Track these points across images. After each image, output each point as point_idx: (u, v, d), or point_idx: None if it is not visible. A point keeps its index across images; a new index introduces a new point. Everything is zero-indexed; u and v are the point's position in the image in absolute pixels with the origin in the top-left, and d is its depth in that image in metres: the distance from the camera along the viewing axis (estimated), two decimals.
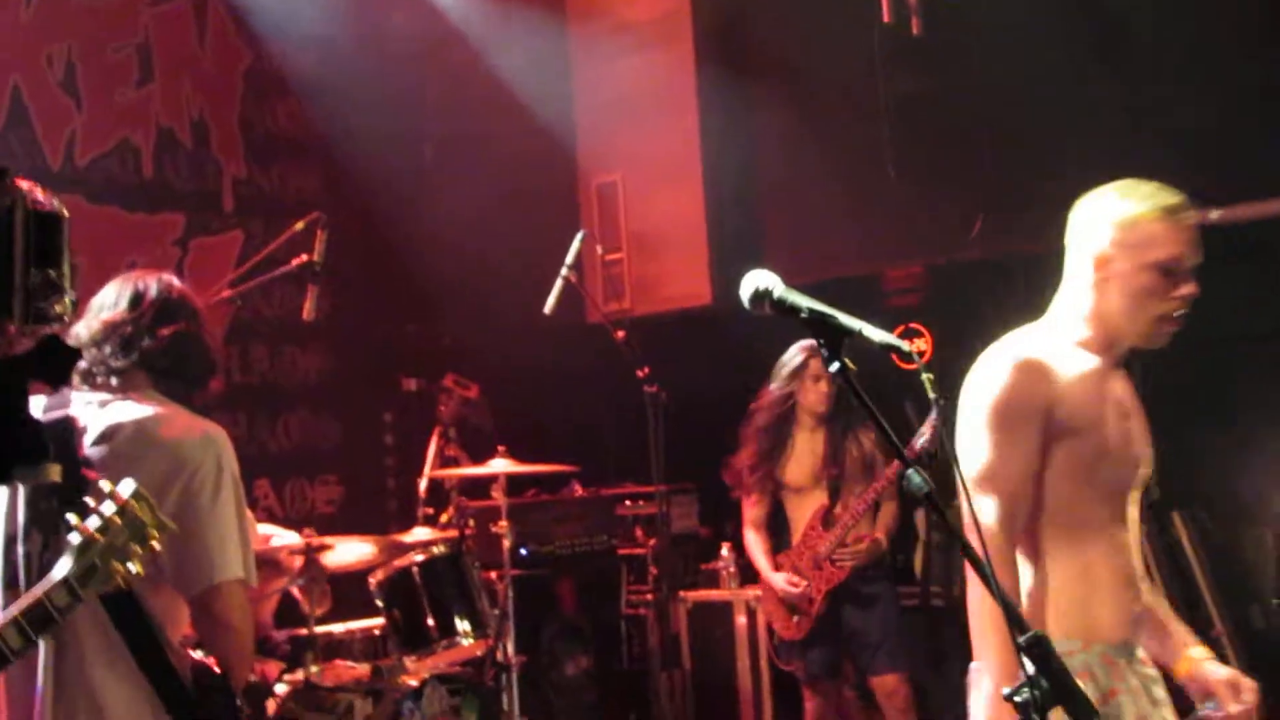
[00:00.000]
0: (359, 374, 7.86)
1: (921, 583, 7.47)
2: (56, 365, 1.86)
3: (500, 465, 6.04)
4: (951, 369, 5.82)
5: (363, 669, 5.20)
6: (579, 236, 6.09)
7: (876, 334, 2.38)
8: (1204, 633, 6.97)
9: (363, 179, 7.58)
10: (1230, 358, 6.93)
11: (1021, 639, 2.19)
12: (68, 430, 2.92)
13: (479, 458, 6.66)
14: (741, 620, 6.87)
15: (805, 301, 2.43)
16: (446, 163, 8.13)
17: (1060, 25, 6.53)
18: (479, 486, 6.72)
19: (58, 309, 1.91)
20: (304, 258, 5.00)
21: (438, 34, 7.78)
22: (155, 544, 2.66)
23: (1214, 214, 6.65)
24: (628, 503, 7.44)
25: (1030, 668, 2.19)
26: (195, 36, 7.29)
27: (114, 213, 6.81)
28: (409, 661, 5.32)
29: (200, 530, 2.91)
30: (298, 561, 4.93)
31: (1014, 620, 2.22)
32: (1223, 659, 6.90)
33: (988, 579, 2.25)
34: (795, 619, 5.91)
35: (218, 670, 2.92)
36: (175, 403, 3.06)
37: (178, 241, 7.13)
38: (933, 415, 5.64)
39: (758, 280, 2.48)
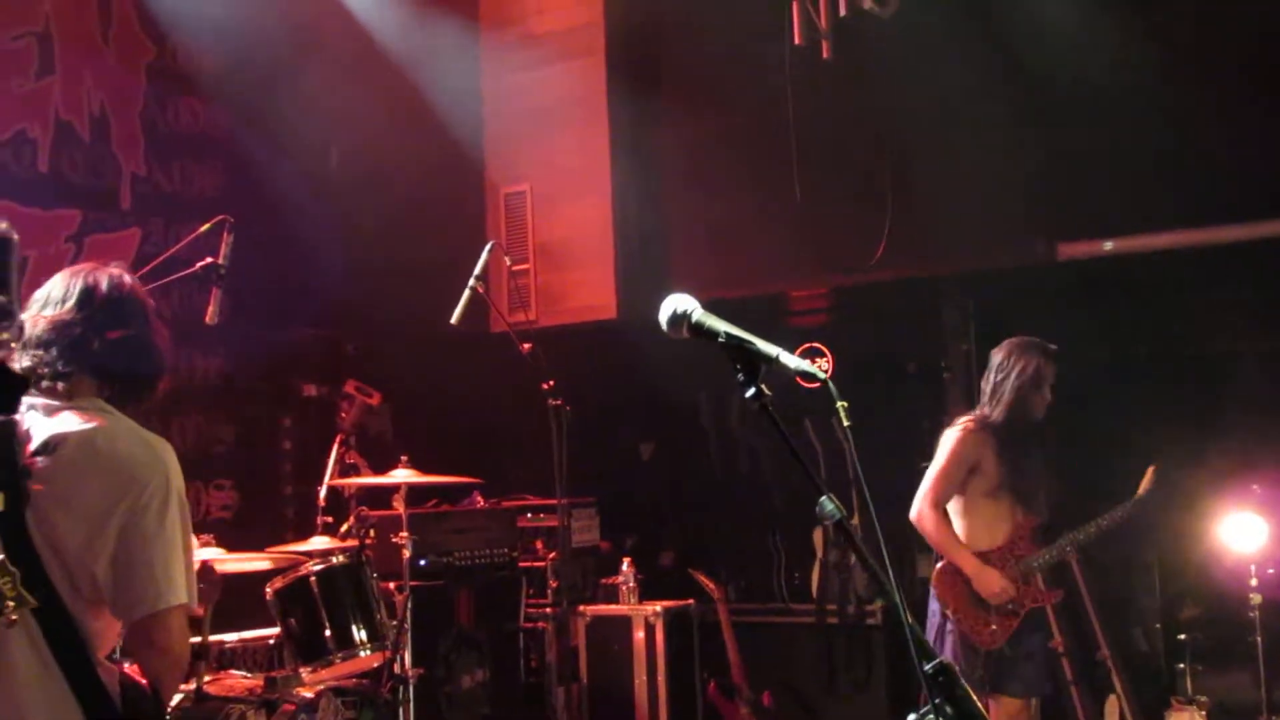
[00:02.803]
0: (258, 378, 7.72)
1: (817, 601, 7.56)
2: (4, 392, 1.77)
3: (402, 475, 5.99)
4: (853, 389, 5.94)
5: (256, 679, 5.09)
6: (488, 247, 6.06)
7: (793, 361, 2.41)
8: (1090, 655, 7.15)
9: (267, 181, 7.46)
10: (1119, 387, 7.12)
11: (927, 667, 2.22)
12: (9, 435, 2.76)
13: (379, 467, 6.61)
14: (640, 635, 6.89)
15: (723, 326, 2.45)
16: (353, 167, 8.04)
17: (968, 53, 6.67)
18: (378, 496, 6.66)
19: (4, 335, 1.82)
20: (208, 260, 4.91)
21: (349, 37, 7.69)
22: (10, 616, 2.44)
23: (1108, 245, 6.84)
24: (529, 515, 7.43)
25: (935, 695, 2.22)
26: (99, 28, 7.12)
27: (7, 207, 6.62)
28: (304, 672, 5.23)
29: (145, 554, 2.77)
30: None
31: (920, 648, 2.26)
32: (1107, 681, 7.11)
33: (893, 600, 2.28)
34: (992, 628, 5.42)
35: (144, 682, 2.84)
36: (120, 408, 2.93)
37: (72, 238, 6.96)
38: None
39: (677, 303, 2.50)
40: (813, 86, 6.94)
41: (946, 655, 5.15)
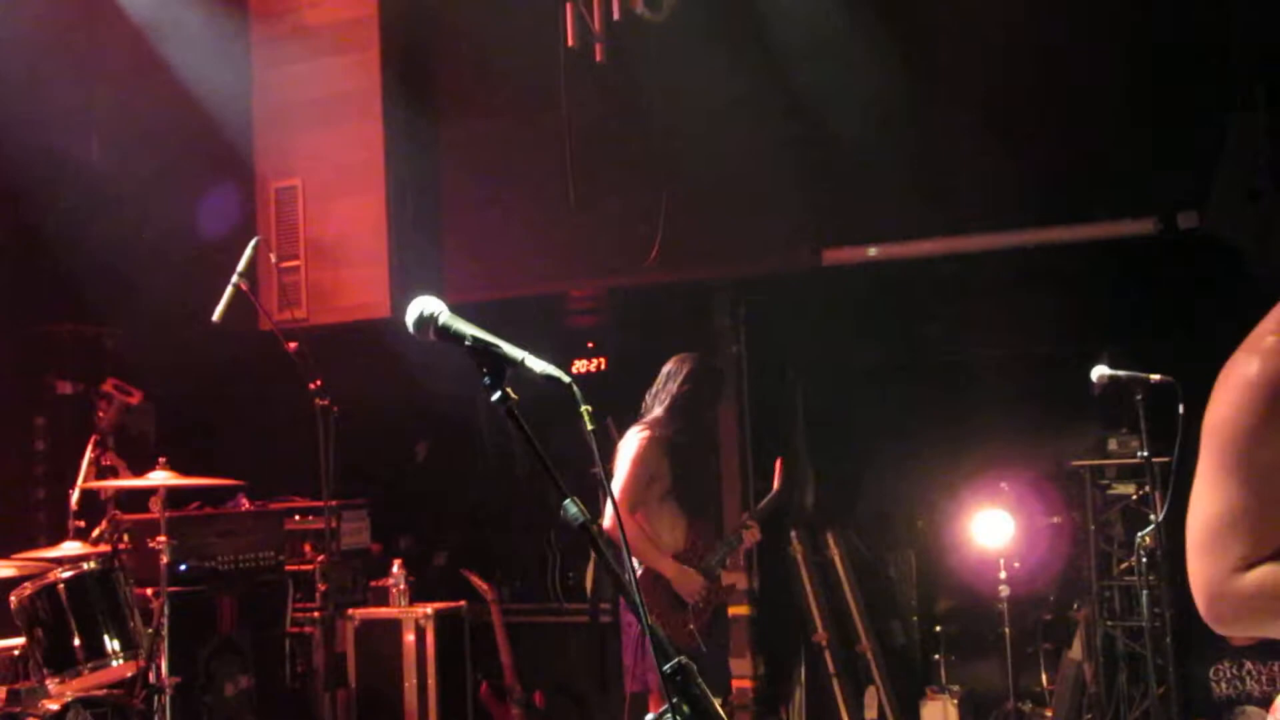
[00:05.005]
0: (7, 375, 7.36)
1: (591, 600, 7.62)
2: None
3: (160, 477, 5.78)
4: (628, 388, 6.01)
5: None
6: (253, 243, 5.91)
7: (538, 364, 2.41)
8: (850, 647, 7.40)
9: (19, 168, 7.10)
10: (882, 388, 7.38)
11: (665, 667, 2.25)
12: None
13: (141, 468, 6.36)
14: (410, 638, 6.82)
15: (470, 329, 2.43)
16: (115, 157, 7.73)
17: (739, 61, 6.80)
18: (139, 499, 6.41)
19: None
20: None
21: (112, 20, 7.39)
22: None
23: (871, 251, 7.07)
24: (297, 517, 7.26)
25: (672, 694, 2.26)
26: None
27: None
28: (51, 684, 5.02)
29: None
30: None
31: (659, 647, 2.29)
32: (867, 672, 7.37)
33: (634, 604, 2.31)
34: (690, 628, 5.46)
35: None
36: None
37: None
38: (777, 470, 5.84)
39: (423, 305, 2.47)
40: (586, 89, 6.98)
41: (649, 662, 5.22)
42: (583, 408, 2.41)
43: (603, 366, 8.33)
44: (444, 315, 2.46)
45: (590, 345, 8.24)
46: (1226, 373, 2.33)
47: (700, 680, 2.28)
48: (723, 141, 6.88)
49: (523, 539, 8.19)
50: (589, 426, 2.45)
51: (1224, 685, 6.29)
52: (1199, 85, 6.05)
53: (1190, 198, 6.25)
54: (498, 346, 2.42)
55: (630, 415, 5.89)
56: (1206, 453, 2.32)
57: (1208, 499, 2.31)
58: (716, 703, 2.32)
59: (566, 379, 2.40)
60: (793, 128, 6.77)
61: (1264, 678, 6.09)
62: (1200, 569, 2.31)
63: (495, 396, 2.41)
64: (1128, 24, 6.21)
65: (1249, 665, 6.20)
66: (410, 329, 2.49)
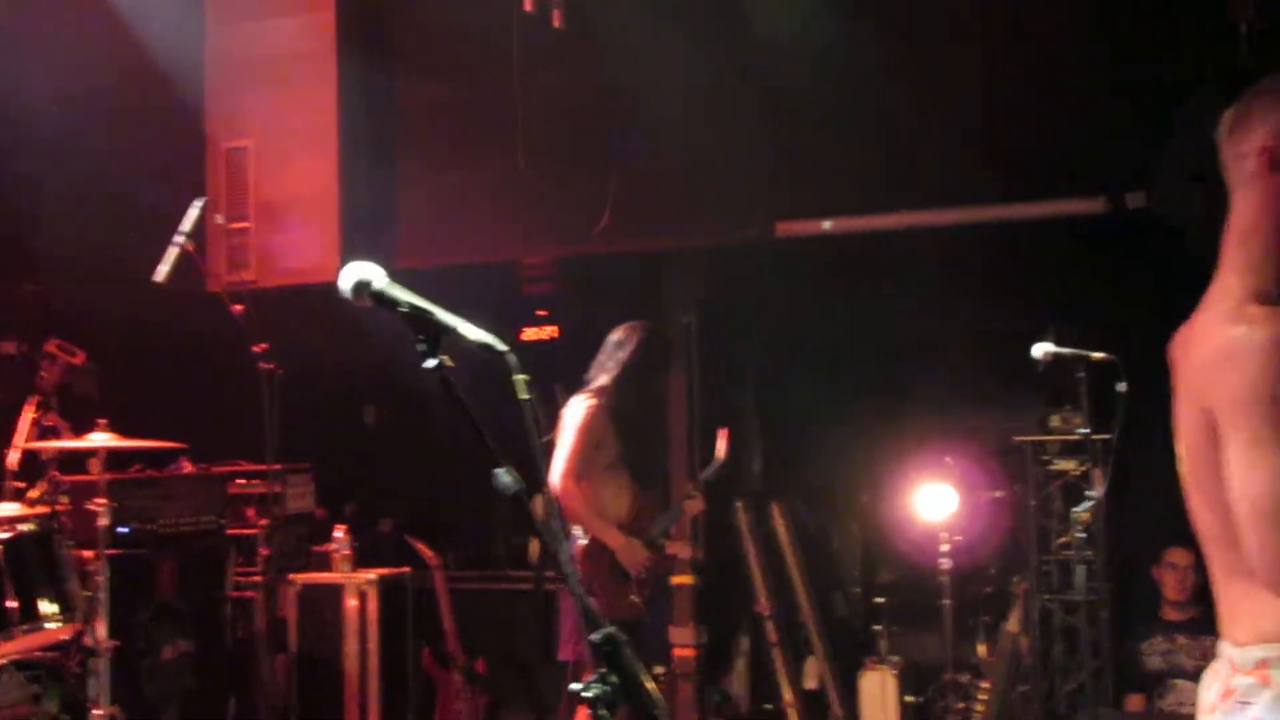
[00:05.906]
0: None
1: (536, 568, 7.62)
2: None
3: (101, 439, 5.72)
4: (579, 356, 6.00)
5: None
6: (197, 204, 5.86)
7: (473, 332, 2.39)
8: (792, 617, 7.45)
9: None
10: (830, 361, 7.41)
11: (594, 636, 2.25)
12: None
13: (84, 430, 6.30)
14: (352, 603, 6.80)
15: (405, 296, 2.41)
16: (61, 112, 7.59)
17: (697, 31, 6.77)
18: (82, 461, 6.35)
19: None
20: None
21: None
22: None
23: (826, 224, 7.09)
24: (240, 481, 7.21)
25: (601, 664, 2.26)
26: None
27: None
28: None
29: None
30: None
31: (589, 618, 2.29)
32: (808, 642, 7.42)
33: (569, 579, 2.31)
34: (632, 599, 5.50)
35: None
36: None
37: None
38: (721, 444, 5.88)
39: (359, 271, 2.45)
40: (543, 55, 6.92)
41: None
42: (516, 376, 2.40)
43: (555, 335, 8.31)
44: (378, 281, 2.44)
45: (542, 313, 8.22)
46: (1229, 350, 2.29)
47: (630, 651, 2.28)
48: (679, 111, 6.85)
49: (468, 506, 8.17)
50: (523, 396, 2.43)
51: (1157, 659, 6.38)
52: (1151, 64, 6.08)
53: (1140, 178, 6.29)
54: (433, 314, 2.40)
55: (582, 383, 5.90)
56: (1243, 427, 2.27)
57: (1259, 471, 2.25)
58: (655, 670, 2.32)
59: (502, 347, 2.39)
60: (749, 100, 6.76)
61: (1196, 652, 6.18)
62: (1273, 541, 2.23)
63: (430, 363, 2.39)
64: (1083, 2, 6.22)
65: (1181, 639, 6.30)
66: (346, 294, 2.47)
